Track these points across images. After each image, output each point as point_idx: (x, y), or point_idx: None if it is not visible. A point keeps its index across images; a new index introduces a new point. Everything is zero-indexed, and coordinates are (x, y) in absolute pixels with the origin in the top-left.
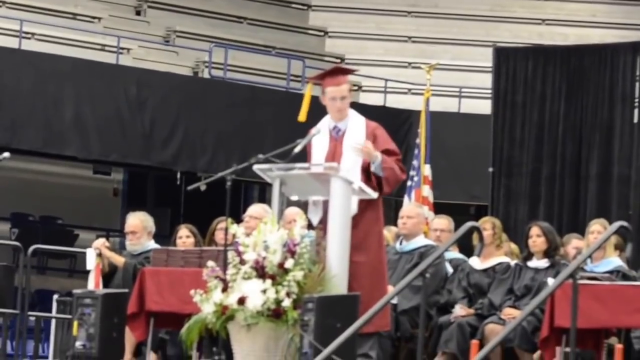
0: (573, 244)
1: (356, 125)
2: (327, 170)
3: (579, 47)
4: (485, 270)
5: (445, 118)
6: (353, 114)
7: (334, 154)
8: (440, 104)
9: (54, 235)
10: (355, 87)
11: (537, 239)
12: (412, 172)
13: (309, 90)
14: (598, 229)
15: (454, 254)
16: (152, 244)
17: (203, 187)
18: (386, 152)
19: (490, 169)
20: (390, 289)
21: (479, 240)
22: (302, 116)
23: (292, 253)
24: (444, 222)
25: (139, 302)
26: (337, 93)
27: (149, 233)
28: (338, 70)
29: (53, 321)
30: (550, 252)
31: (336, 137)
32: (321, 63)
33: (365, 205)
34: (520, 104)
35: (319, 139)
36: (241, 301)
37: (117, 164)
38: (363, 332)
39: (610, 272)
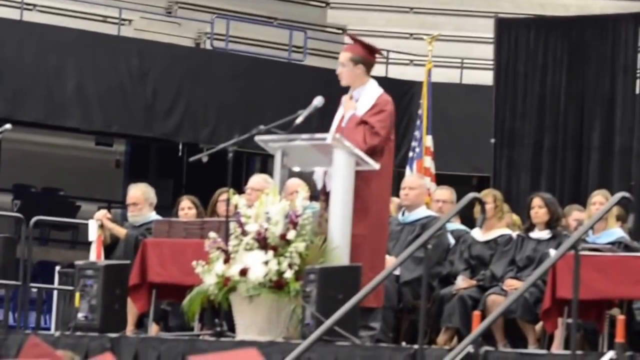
0: (574, 215)
1: (367, 96)
2: (330, 142)
3: (580, 18)
4: (487, 243)
5: (447, 89)
6: (371, 85)
7: (341, 127)
8: (442, 75)
9: (56, 207)
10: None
11: (539, 210)
12: (414, 143)
13: None
14: (600, 200)
15: (456, 225)
16: (154, 215)
17: (205, 159)
18: (363, 121)
19: (492, 140)
20: (391, 261)
21: (481, 211)
22: None
23: (294, 224)
24: (446, 193)
25: (140, 273)
26: (339, 58)
27: (150, 204)
28: (355, 40)
29: (55, 293)
30: (552, 223)
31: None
32: (323, 34)
33: (370, 176)
34: (522, 75)
35: (341, 106)
36: (243, 272)
37: (119, 135)
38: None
39: (612, 243)
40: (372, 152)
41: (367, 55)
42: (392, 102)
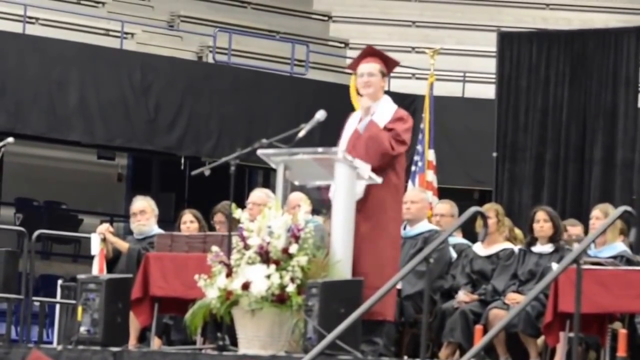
0: (569, 231)
1: (384, 110)
2: (330, 155)
3: (582, 32)
4: (488, 257)
5: (449, 103)
6: (386, 101)
7: (358, 136)
8: (444, 89)
9: (58, 221)
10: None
11: (544, 224)
12: (416, 157)
13: (353, 80)
14: (597, 214)
15: (458, 239)
16: (156, 229)
17: (207, 172)
18: (388, 129)
19: (494, 154)
20: None
21: (483, 225)
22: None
23: (296, 238)
24: (444, 207)
25: (143, 287)
26: (364, 69)
27: (155, 215)
28: (368, 51)
29: (57, 306)
30: (554, 237)
31: (365, 120)
32: (325, 48)
33: (382, 191)
34: (524, 88)
35: (351, 120)
36: (245, 286)
37: (121, 149)
38: (369, 319)
39: (614, 257)
40: (393, 162)
41: (390, 69)
42: (411, 117)
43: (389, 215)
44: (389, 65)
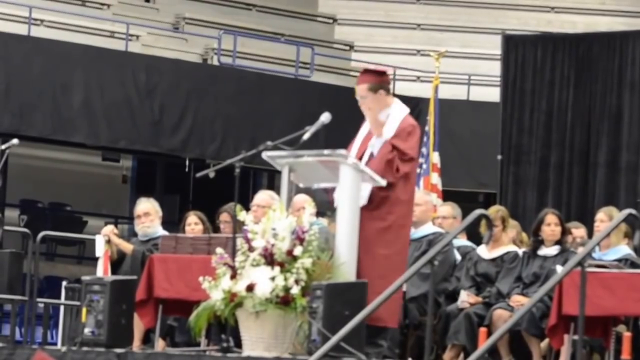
0: (573, 233)
1: (393, 118)
2: (335, 157)
3: (587, 35)
4: (493, 260)
5: (454, 106)
6: (396, 107)
7: (367, 142)
8: (449, 92)
9: (63, 222)
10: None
11: (555, 228)
12: (420, 160)
13: None
14: (601, 217)
15: (462, 241)
16: (161, 231)
17: (212, 174)
18: (394, 147)
19: (499, 157)
20: None
21: (487, 228)
22: None
23: (301, 240)
24: (446, 209)
25: (147, 289)
26: (357, 92)
27: (159, 217)
28: (363, 71)
29: (62, 308)
30: (560, 240)
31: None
32: (330, 50)
33: (391, 195)
34: (529, 91)
35: (366, 126)
36: (250, 288)
37: (126, 151)
38: (373, 324)
39: (619, 260)
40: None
41: (382, 79)
42: (418, 126)
43: (402, 221)
44: (377, 74)
